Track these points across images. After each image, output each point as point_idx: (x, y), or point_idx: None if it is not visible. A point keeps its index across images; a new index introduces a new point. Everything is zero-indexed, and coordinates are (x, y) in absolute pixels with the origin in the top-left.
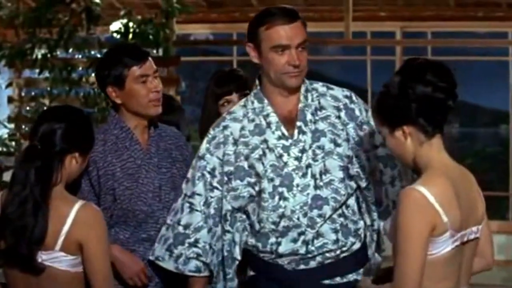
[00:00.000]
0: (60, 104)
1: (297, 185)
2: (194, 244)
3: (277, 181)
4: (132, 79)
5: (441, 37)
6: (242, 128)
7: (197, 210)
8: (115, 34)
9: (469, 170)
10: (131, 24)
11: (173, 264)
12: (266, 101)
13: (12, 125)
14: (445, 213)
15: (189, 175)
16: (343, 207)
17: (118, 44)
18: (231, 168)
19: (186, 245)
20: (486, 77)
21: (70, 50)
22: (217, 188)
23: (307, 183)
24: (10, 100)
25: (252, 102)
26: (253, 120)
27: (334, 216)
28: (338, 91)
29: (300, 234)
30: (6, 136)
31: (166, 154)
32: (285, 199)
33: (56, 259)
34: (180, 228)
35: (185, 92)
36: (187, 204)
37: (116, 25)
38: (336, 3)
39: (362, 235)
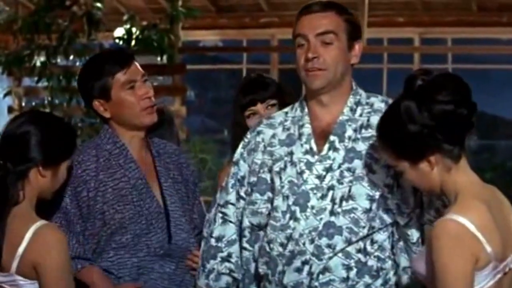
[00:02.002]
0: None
1: (312, 207)
2: (227, 258)
3: (291, 199)
4: (118, 87)
5: (462, 44)
6: (273, 136)
7: (230, 222)
8: (117, 40)
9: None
10: (134, 29)
11: (204, 280)
12: (306, 110)
13: None
14: (488, 242)
15: (224, 182)
16: (366, 242)
17: (99, 52)
18: (255, 179)
19: (219, 259)
20: (508, 87)
21: (71, 57)
22: (243, 199)
23: (323, 207)
24: (10, 110)
25: (295, 110)
26: (288, 129)
27: (350, 249)
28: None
29: (304, 263)
30: None
31: (164, 174)
32: (296, 219)
33: (14, 282)
34: (213, 241)
35: (193, 102)
36: (220, 215)
37: (120, 31)
38: (350, 7)
39: (388, 277)
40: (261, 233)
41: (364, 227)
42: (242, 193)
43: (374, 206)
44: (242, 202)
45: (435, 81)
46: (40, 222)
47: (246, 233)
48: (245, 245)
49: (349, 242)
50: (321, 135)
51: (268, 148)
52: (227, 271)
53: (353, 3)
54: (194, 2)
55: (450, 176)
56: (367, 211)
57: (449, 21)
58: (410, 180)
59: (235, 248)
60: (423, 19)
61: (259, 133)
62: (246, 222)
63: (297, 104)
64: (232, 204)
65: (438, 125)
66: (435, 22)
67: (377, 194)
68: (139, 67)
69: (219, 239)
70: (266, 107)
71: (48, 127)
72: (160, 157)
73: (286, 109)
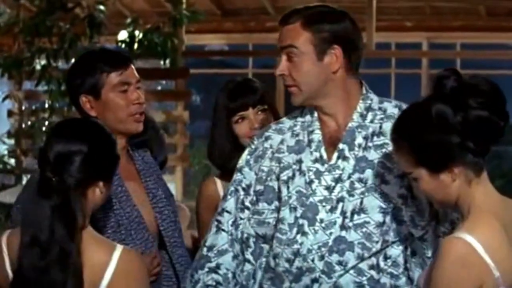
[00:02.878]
0: (73, 117)
1: (321, 221)
2: (215, 269)
3: (299, 212)
4: (110, 87)
5: (470, 49)
6: (282, 142)
7: (223, 230)
8: (120, 44)
9: None
10: (136, 33)
11: None
12: (315, 115)
13: (11, 141)
14: (497, 266)
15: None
16: (379, 257)
17: (95, 49)
18: (261, 187)
19: (206, 269)
20: None
21: (73, 60)
22: (248, 209)
23: (333, 220)
24: (9, 113)
25: (305, 114)
26: (297, 135)
27: (362, 266)
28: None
29: (314, 281)
30: (5, 152)
31: (152, 189)
32: (304, 234)
33: None
34: (204, 250)
35: (199, 107)
36: (215, 222)
37: (123, 34)
38: (357, 11)
39: None
40: (266, 246)
41: (377, 242)
42: (247, 203)
43: (388, 219)
44: (247, 212)
45: (471, 84)
46: (120, 247)
47: (251, 243)
48: (249, 257)
49: (361, 258)
50: (330, 142)
51: (276, 155)
52: (214, 283)
53: (361, 7)
54: (199, 6)
55: (469, 189)
56: (380, 224)
57: (458, 25)
58: (423, 190)
59: (225, 259)
60: (431, 23)
61: (267, 138)
62: (251, 231)
63: (307, 109)
64: (228, 212)
65: (471, 132)
66: (444, 26)
67: (390, 207)
68: (135, 72)
69: (210, 248)
70: (256, 112)
71: (101, 139)
72: (145, 170)
73: (295, 113)
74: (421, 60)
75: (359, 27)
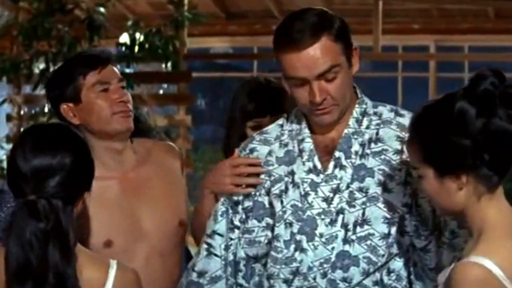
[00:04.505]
0: (37, 124)
1: (321, 235)
2: None
3: (295, 227)
4: (89, 87)
5: (479, 52)
6: (269, 153)
7: (215, 255)
8: (120, 47)
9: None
10: (137, 35)
11: None
12: (304, 121)
13: (10, 146)
14: None
15: (213, 208)
16: (383, 271)
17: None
18: (250, 204)
19: None
20: None
21: None
22: (238, 228)
23: (334, 234)
24: (8, 118)
25: (291, 122)
26: (286, 145)
27: (366, 282)
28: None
29: None
30: (4, 157)
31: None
32: (303, 250)
33: None
34: (194, 275)
35: (204, 111)
36: (205, 246)
37: (125, 37)
38: (364, 14)
39: None
40: (257, 265)
41: (383, 256)
42: (236, 222)
43: (393, 230)
44: (236, 231)
45: (506, 91)
46: (114, 262)
47: (241, 266)
48: (241, 281)
49: (366, 274)
50: (325, 151)
51: (265, 167)
52: None
53: (367, 10)
54: (203, 9)
55: (479, 204)
56: (386, 236)
57: (466, 28)
58: (426, 190)
59: (218, 286)
60: (439, 26)
61: (252, 151)
62: (241, 253)
63: (292, 116)
64: (220, 234)
65: (488, 143)
66: (451, 29)
67: (395, 217)
68: (116, 70)
69: (201, 274)
70: (272, 121)
71: (79, 145)
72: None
73: (280, 121)
74: (428, 63)
75: None
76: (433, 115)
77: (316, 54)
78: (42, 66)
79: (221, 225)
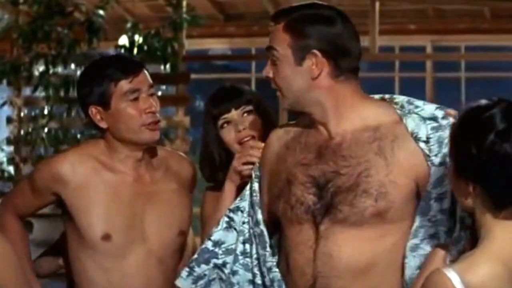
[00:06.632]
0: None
1: None
2: (221, 267)
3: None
4: (120, 95)
5: (475, 52)
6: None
7: (235, 229)
8: (119, 49)
9: None
10: (136, 37)
11: (191, 285)
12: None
13: (10, 148)
14: None
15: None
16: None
17: (105, 55)
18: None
19: (212, 265)
20: None
21: (72, 66)
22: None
23: None
24: (9, 120)
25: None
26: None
27: None
28: (431, 109)
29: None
30: (4, 160)
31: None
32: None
33: None
34: (210, 244)
35: (202, 112)
36: (226, 219)
37: (124, 39)
38: (361, 15)
39: None
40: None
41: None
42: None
43: None
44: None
45: None
46: None
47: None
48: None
49: None
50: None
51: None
52: (219, 277)
53: (363, 10)
54: (201, 11)
55: (485, 218)
56: None
57: (462, 28)
58: (449, 180)
59: (231, 259)
60: (435, 26)
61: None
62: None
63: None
64: (242, 211)
65: (492, 161)
66: (448, 29)
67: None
68: (148, 77)
69: (217, 244)
70: (242, 114)
71: None
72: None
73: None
74: (425, 63)
75: (354, 30)
76: (467, 111)
77: (272, 32)
78: (42, 68)
79: (246, 203)
